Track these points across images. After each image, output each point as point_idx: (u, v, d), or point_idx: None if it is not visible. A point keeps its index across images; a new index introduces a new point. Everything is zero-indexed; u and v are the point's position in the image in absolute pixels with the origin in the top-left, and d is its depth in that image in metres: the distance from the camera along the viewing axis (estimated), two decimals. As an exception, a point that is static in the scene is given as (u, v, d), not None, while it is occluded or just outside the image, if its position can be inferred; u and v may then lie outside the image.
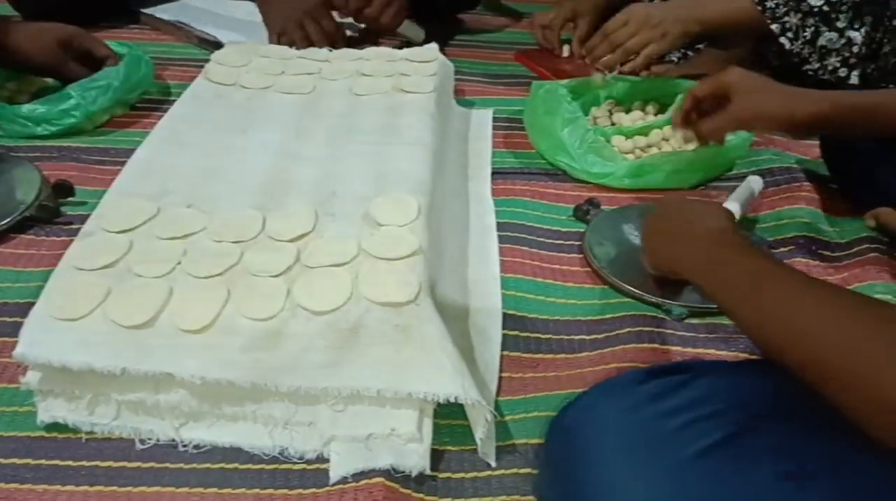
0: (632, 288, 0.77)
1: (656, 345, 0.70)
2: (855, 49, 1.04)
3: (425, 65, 1.05)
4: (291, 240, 0.69)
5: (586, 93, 1.10)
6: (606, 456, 0.49)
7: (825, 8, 1.02)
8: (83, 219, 0.75)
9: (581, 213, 0.89)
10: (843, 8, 1.02)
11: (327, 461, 0.60)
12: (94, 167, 0.94)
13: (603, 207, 0.90)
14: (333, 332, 0.61)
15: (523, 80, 1.23)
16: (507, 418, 0.64)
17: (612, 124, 1.07)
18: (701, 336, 0.72)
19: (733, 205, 0.82)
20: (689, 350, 0.71)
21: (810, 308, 0.49)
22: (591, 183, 0.96)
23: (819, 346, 0.47)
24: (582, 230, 0.87)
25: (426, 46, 1.11)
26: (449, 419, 0.64)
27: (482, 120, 1.11)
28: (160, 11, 1.36)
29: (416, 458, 0.59)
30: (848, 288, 0.78)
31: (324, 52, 1.10)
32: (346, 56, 1.09)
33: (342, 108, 0.94)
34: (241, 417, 0.62)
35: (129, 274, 0.65)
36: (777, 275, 0.54)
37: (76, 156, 0.96)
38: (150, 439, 0.61)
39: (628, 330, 0.72)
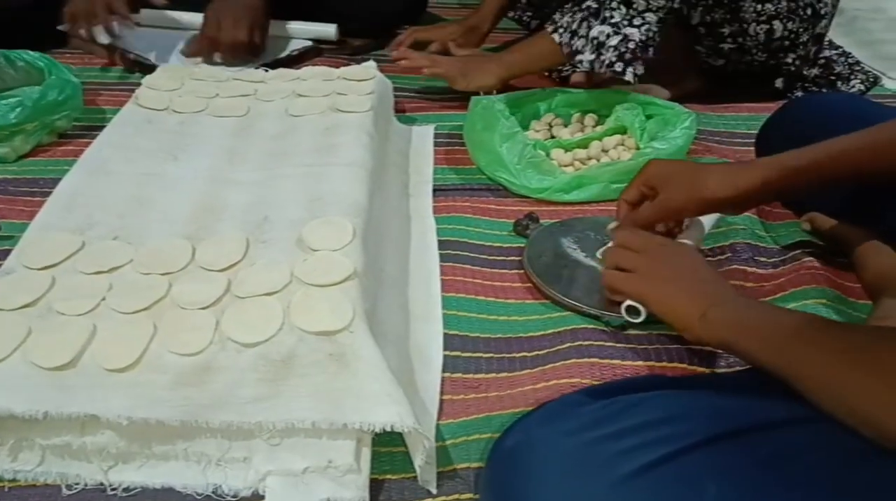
0: (571, 302, 0.77)
1: (596, 359, 0.70)
2: (631, 45, 1.05)
3: (362, 83, 1.04)
4: (222, 270, 0.68)
5: (525, 106, 1.10)
6: (547, 480, 0.49)
7: (593, 6, 1.07)
8: (8, 255, 0.72)
9: (520, 228, 0.89)
10: (614, 5, 1.06)
11: (262, 497, 0.58)
12: (21, 199, 0.91)
13: (542, 221, 0.90)
14: (265, 364, 0.59)
15: (464, 96, 1.23)
16: (449, 442, 0.63)
17: (552, 137, 1.07)
18: (641, 347, 0.72)
19: (692, 234, 0.81)
20: (629, 362, 0.71)
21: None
22: (530, 197, 0.96)
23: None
24: (522, 245, 0.86)
25: (364, 65, 1.11)
26: (389, 446, 0.62)
27: (423, 136, 1.10)
28: (93, 33, 1.32)
29: (354, 489, 0.58)
30: (786, 292, 0.79)
31: (259, 72, 1.09)
32: (281, 76, 1.07)
33: (277, 130, 0.93)
34: (173, 456, 0.60)
35: (51, 313, 0.62)
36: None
37: (2, 188, 0.93)
38: (77, 484, 0.59)
39: (568, 345, 0.72)
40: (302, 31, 1.34)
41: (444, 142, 1.10)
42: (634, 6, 1.05)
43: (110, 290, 0.65)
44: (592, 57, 1.07)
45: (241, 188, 0.81)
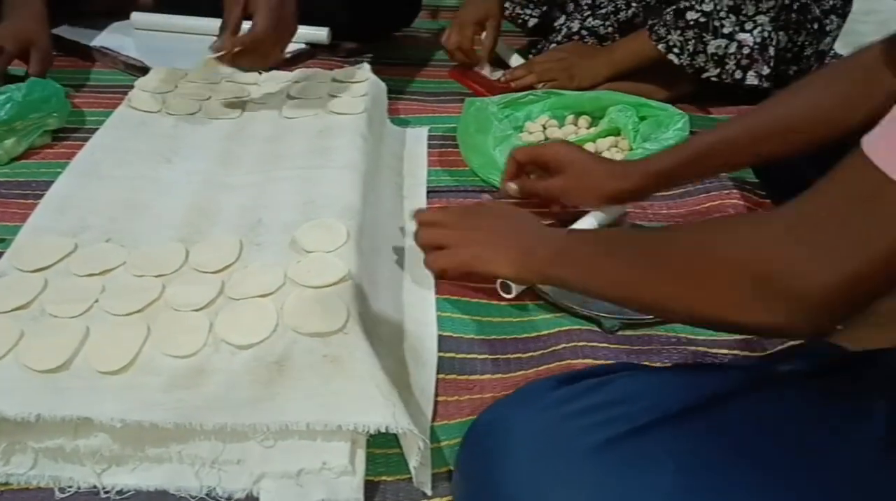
0: (564, 302, 0.77)
1: (590, 360, 0.70)
2: (746, 51, 1.11)
3: (356, 85, 1.04)
4: (216, 272, 0.67)
5: (519, 108, 1.10)
6: (515, 456, 0.49)
7: (701, 20, 1.11)
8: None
9: (515, 230, 0.89)
10: (722, 14, 1.10)
11: (257, 499, 0.58)
12: (14, 201, 0.90)
13: (537, 222, 0.90)
14: (259, 366, 0.59)
15: (458, 97, 1.23)
16: (444, 443, 0.63)
17: (546, 139, 1.07)
18: (635, 348, 0.72)
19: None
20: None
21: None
22: (524, 199, 0.96)
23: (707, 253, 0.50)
24: (517, 246, 0.86)
25: (357, 66, 1.11)
26: (384, 448, 0.62)
27: (417, 138, 1.10)
28: (84, 37, 1.32)
29: (348, 491, 0.58)
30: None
31: (253, 75, 1.08)
32: (275, 79, 1.07)
33: (271, 133, 0.93)
34: (167, 458, 0.59)
35: (44, 315, 0.62)
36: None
37: (-6, 191, 0.92)
38: (70, 487, 0.58)
39: (563, 345, 0.72)
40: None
41: (437, 144, 1.10)
42: (743, 12, 1.09)
43: (103, 292, 0.65)
44: (718, 71, 1.14)
45: (235, 191, 0.81)
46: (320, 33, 1.33)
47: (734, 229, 0.51)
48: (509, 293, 0.75)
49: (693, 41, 1.12)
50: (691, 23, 1.11)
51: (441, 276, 0.77)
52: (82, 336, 0.60)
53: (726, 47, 1.11)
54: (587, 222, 0.83)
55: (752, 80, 1.12)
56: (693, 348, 0.72)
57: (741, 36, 1.10)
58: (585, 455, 0.47)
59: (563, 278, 0.64)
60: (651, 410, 0.50)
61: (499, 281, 0.74)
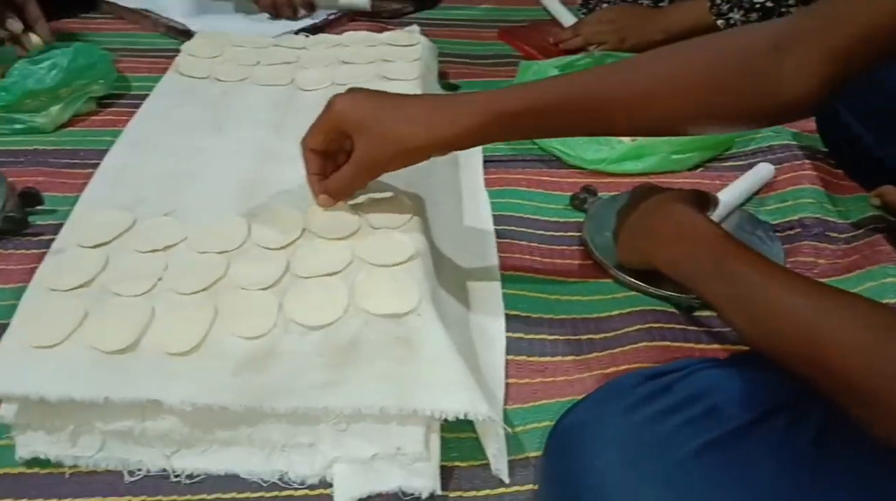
0: (636, 282, 0.74)
1: (668, 343, 0.68)
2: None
3: (408, 49, 1.00)
4: (280, 248, 0.65)
5: (576, 70, 1.06)
6: (602, 462, 0.47)
7: (768, 4, 1.06)
8: (54, 230, 0.70)
9: (578, 202, 0.86)
10: (791, 2, 1.06)
11: (330, 485, 0.56)
12: (63, 171, 0.88)
13: (601, 194, 0.86)
14: (330, 348, 0.57)
15: (509, 60, 1.19)
16: (518, 429, 0.61)
17: (604, 104, 1.03)
18: (714, 330, 0.69)
19: (727, 193, 0.81)
20: (703, 345, 0.68)
21: (816, 314, 0.47)
22: (585, 169, 0.92)
23: (830, 355, 0.45)
24: (581, 220, 0.83)
25: (407, 29, 1.06)
26: (456, 432, 0.60)
27: (469, 104, 1.06)
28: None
29: (425, 478, 0.56)
30: (861, 271, 0.76)
31: (300, 38, 1.05)
32: (323, 43, 1.04)
33: (323, 100, 0.89)
34: (236, 442, 0.58)
35: (107, 294, 0.60)
36: (762, 268, 0.53)
37: (42, 159, 0.90)
38: (139, 470, 0.57)
39: (637, 327, 0.69)
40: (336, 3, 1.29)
41: (490, 110, 1.06)
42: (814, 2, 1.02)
43: (166, 270, 0.62)
44: None
45: (292, 162, 0.77)
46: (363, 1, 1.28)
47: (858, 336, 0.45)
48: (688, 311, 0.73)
49: (741, 11, 1.07)
50: (757, 5, 1.07)
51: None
52: (148, 316, 0.58)
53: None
54: (737, 186, 0.83)
55: None
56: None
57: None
58: (677, 465, 0.45)
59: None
60: (741, 405, 0.49)
61: None
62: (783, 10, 1.06)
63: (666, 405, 0.50)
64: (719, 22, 1.10)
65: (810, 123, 1.00)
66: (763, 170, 0.88)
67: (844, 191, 0.90)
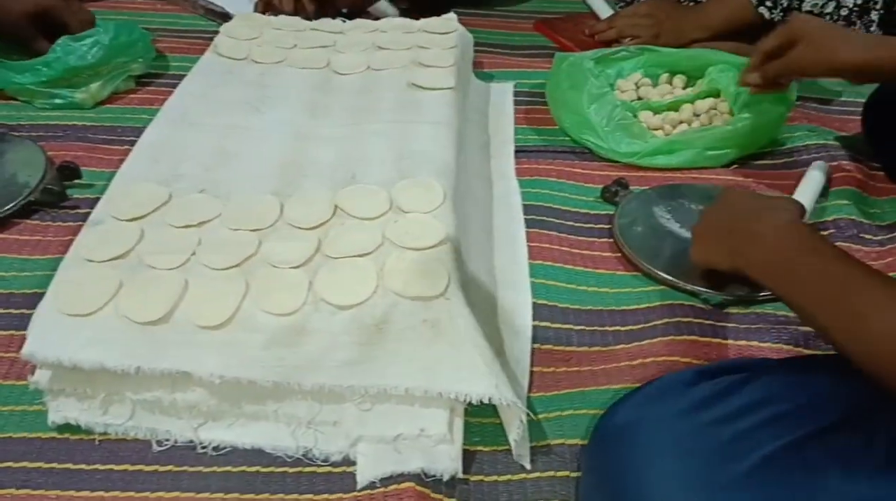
0: (666, 276, 0.73)
1: (696, 337, 0.67)
2: (844, 12, 1.03)
3: (444, 36, 1.00)
4: (312, 228, 0.66)
5: (611, 65, 1.05)
6: (658, 466, 0.47)
7: None
8: (91, 203, 0.72)
9: (609, 195, 0.85)
10: None
11: (354, 463, 0.57)
12: (101, 147, 0.90)
13: (632, 188, 0.86)
14: (359, 328, 0.58)
15: (544, 52, 1.18)
16: (541, 417, 0.61)
17: (639, 98, 1.02)
18: (742, 326, 0.69)
19: (803, 197, 0.79)
20: (730, 341, 0.67)
21: None
22: (618, 162, 0.92)
23: None
24: (611, 212, 0.83)
25: (445, 16, 1.06)
26: (479, 417, 0.61)
27: (502, 94, 1.06)
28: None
29: (447, 461, 0.56)
30: (895, 273, 0.74)
31: (337, 23, 1.05)
32: (360, 27, 1.04)
33: (359, 84, 0.90)
34: (263, 416, 0.59)
35: (142, 266, 0.61)
36: (865, 280, 0.50)
37: (81, 134, 0.91)
38: (167, 440, 0.58)
39: (665, 320, 0.69)
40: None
41: (523, 100, 1.06)
42: None
43: (200, 245, 0.63)
44: None
45: (326, 144, 0.78)
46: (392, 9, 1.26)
47: None
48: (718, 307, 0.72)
49: None
50: None
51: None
52: (181, 289, 0.59)
53: (823, 6, 1.04)
54: (809, 189, 0.82)
55: None
56: (802, 328, 0.68)
57: None
58: (743, 474, 0.45)
59: (764, 283, 0.60)
60: (805, 414, 0.48)
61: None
62: None
63: (726, 410, 0.49)
64: (762, 9, 1.07)
65: (850, 123, 0.98)
66: (820, 169, 0.87)
67: (882, 192, 0.88)
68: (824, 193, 0.85)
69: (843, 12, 1.03)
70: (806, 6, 1.05)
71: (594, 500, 0.53)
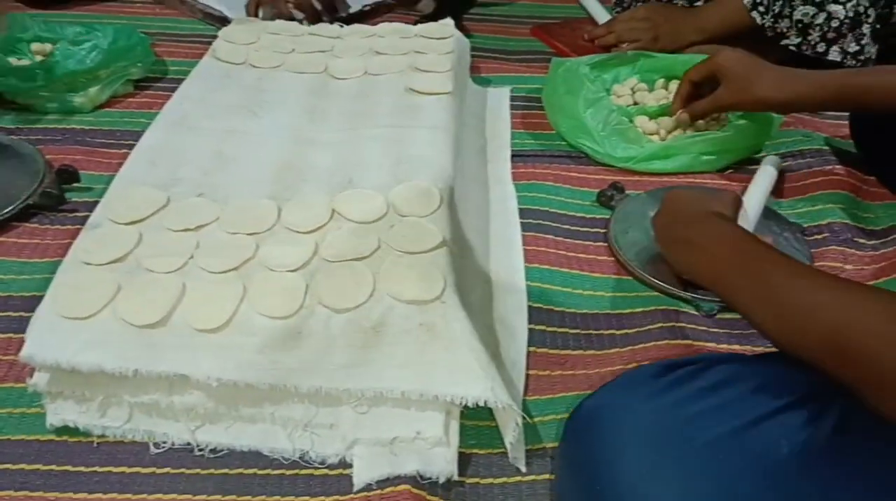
0: (659, 282, 0.74)
1: (689, 341, 0.68)
2: (835, 24, 1.04)
3: (441, 41, 1.00)
4: (309, 232, 0.66)
5: (607, 70, 1.06)
6: (624, 444, 0.48)
7: None
8: (89, 207, 0.72)
9: (605, 199, 0.86)
10: None
11: (350, 466, 0.57)
12: (99, 150, 0.90)
13: (628, 192, 0.86)
14: (355, 331, 0.58)
15: (541, 57, 1.19)
16: (537, 420, 0.62)
17: (635, 103, 1.03)
18: (735, 331, 0.69)
19: (753, 193, 0.80)
20: (723, 346, 0.68)
21: (841, 308, 0.47)
22: (614, 166, 0.92)
23: (855, 346, 0.45)
24: (607, 216, 0.83)
25: (441, 22, 1.07)
26: (475, 420, 0.61)
27: (499, 99, 1.07)
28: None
29: (443, 463, 0.57)
30: (888, 277, 0.75)
31: (335, 28, 1.06)
32: (358, 33, 1.04)
33: (356, 89, 0.91)
34: (260, 419, 0.59)
35: (140, 269, 0.62)
36: (787, 268, 0.53)
37: (80, 138, 0.92)
38: (164, 442, 0.59)
39: (660, 325, 0.69)
40: None
41: (520, 105, 1.06)
42: None
43: (198, 248, 0.64)
44: (799, 40, 1.07)
45: (324, 148, 0.79)
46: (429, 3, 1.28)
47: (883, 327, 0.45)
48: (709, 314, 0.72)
49: (780, 2, 1.05)
50: None
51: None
52: (179, 292, 0.59)
53: (814, 16, 1.04)
54: (760, 183, 0.83)
55: (834, 55, 1.05)
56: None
57: (832, 7, 1.03)
58: (709, 444, 0.46)
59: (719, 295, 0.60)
60: (762, 396, 0.49)
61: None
62: None
63: (688, 393, 0.50)
64: (754, 14, 1.08)
65: (843, 128, 0.99)
66: (770, 164, 0.88)
67: (875, 197, 0.89)
68: (776, 189, 0.87)
69: (834, 24, 1.03)
70: (797, 14, 1.05)
71: (568, 492, 0.53)
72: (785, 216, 0.84)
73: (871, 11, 1.03)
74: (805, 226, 0.82)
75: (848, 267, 0.78)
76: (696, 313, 0.71)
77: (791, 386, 0.50)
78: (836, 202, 0.86)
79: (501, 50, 1.23)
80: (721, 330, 0.69)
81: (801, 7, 1.05)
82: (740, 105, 0.87)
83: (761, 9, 1.08)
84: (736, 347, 0.68)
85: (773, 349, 0.62)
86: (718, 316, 0.71)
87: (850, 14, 1.02)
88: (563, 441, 0.55)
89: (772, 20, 1.07)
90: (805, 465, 0.45)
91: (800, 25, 1.05)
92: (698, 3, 1.23)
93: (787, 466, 0.45)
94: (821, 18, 1.04)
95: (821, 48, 1.06)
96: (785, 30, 1.07)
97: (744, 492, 0.44)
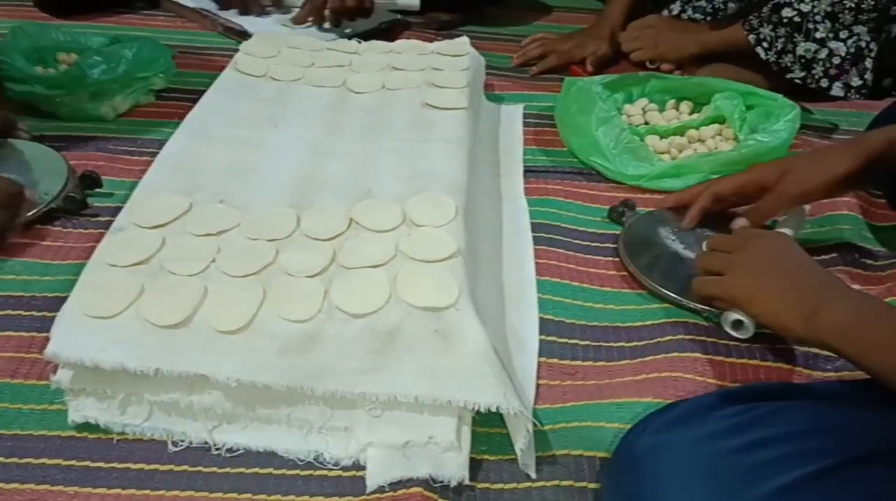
0: (670, 294, 0.75)
1: (698, 354, 0.69)
2: (836, 60, 1.07)
3: (457, 59, 1.03)
4: (327, 240, 0.68)
5: (618, 90, 1.08)
6: (680, 490, 0.47)
7: (796, 19, 1.08)
8: (111, 212, 0.74)
9: (616, 215, 0.87)
10: (818, 18, 1.07)
11: (363, 468, 0.58)
12: (122, 158, 0.92)
13: (638, 209, 0.88)
14: (371, 336, 0.59)
15: (553, 76, 1.21)
16: (547, 428, 0.63)
17: (646, 123, 1.05)
18: (744, 345, 0.70)
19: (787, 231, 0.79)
20: (733, 359, 0.69)
21: None
22: (625, 184, 0.94)
23: None
24: (617, 232, 0.85)
25: (457, 40, 1.09)
26: (486, 427, 0.62)
27: (512, 116, 1.09)
28: (184, -2, 1.34)
29: (454, 468, 0.58)
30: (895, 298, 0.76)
31: (353, 44, 1.08)
32: (375, 49, 1.07)
33: (374, 103, 0.93)
34: (276, 420, 0.60)
35: (163, 272, 0.63)
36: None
37: (102, 146, 0.94)
38: (182, 441, 0.60)
39: (669, 337, 0.70)
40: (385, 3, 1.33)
41: (533, 122, 1.08)
42: (840, 21, 1.05)
43: (219, 253, 0.65)
44: (803, 74, 1.10)
45: (341, 160, 0.81)
46: (412, 1, 1.32)
47: None
48: (740, 332, 0.69)
49: (783, 39, 1.09)
50: (785, 20, 1.09)
51: (705, 302, 0.72)
52: (201, 294, 0.61)
53: (816, 52, 1.08)
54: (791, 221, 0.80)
55: (837, 90, 1.09)
56: (803, 349, 0.70)
57: (833, 44, 1.07)
58: (770, 494, 0.44)
59: (840, 350, 0.55)
60: (828, 452, 0.47)
61: (730, 318, 0.68)
62: (810, 26, 1.07)
63: (750, 438, 0.48)
64: (750, 37, 1.11)
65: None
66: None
67: (883, 219, 0.90)
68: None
69: (836, 60, 1.06)
70: (799, 51, 1.08)
71: None
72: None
73: (872, 45, 1.05)
74: (812, 246, 0.83)
75: (855, 287, 0.79)
76: (705, 325, 0.72)
77: (869, 435, 0.48)
78: (844, 223, 0.87)
79: (514, 68, 1.25)
80: (731, 343, 0.70)
81: (804, 44, 1.08)
82: (801, 198, 0.77)
83: (765, 44, 1.11)
84: (745, 360, 0.68)
85: (804, 371, 0.61)
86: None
87: (852, 50, 1.05)
88: (613, 472, 0.54)
89: (775, 56, 1.10)
90: None
91: (803, 61, 1.09)
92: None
93: None
94: (823, 54, 1.07)
95: (824, 83, 1.09)
96: (789, 64, 1.10)
97: None
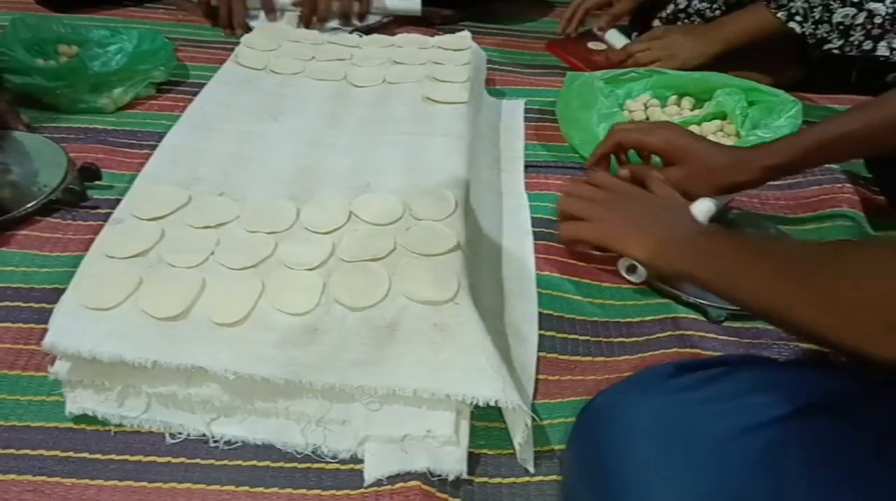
0: (670, 289, 0.75)
1: (697, 350, 0.68)
2: (878, 20, 1.04)
3: (458, 53, 1.02)
4: (326, 233, 0.67)
5: (620, 85, 1.07)
6: (632, 443, 0.48)
7: None
8: (110, 204, 0.74)
9: (616, 210, 0.87)
10: None
11: (361, 461, 0.58)
12: (121, 150, 0.92)
13: (639, 204, 0.87)
14: (370, 329, 0.59)
15: (555, 71, 1.21)
16: (546, 422, 0.63)
17: (647, 118, 1.04)
18: (744, 340, 0.70)
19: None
20: (731, 353, 0.69)
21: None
22: (626, 179, 0.93)
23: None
24: (617, 228, 0.84)
25: (459, 34, 1.09)
26: (485, 421, 0.62)
27: (513, 111, 1.08)
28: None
29: (452, 462, 0.58)
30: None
31: (354, 37, 1.08)
32: (376, 42, 1.07)
33: (374, 96, 0.92)
34: (274, 413, 0.60)
35: (162, 264, 0.63)
36: (822, 257, 0.53)
37: (102, 138, 0.94)
38: (180, 433, 0.60)
39: (669, 333, 0.70)
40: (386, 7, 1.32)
41: (534, 117, 1.08)
42: None
43: (218, 245, 0.65)
44: (841, 42, 1.07)
45: (341, 152, 0.81)
46: (413, 4, 1.31)
47: (885, 262, 0.47)
48: (634, 276, 0.73)
49: (819, 8, 1.05)
50: None
51: (570, 247, 0.75)
52: (199, 287, 0.61)
53: (854, 17, 1.05)
54: (704, 206, 0.78)
55: (882, 50, 1.06)
56: (803, 345, 0.70)
57: (872, 5, 1.03)
58: (718, 442, 0.46)
59: (694, 274, 0.61)
60: (778, 404, 0.48)
61: (625, 264, 0.73)
62: None
63: (703, 396, 0.50)
64: (781, 14, 1.08)
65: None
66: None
67: (883, 217, 0.90)
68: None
69: (877, 20, 1.02)
70: (836, 17, 1.05)
71: (577, 489, 0.54)
72: (790, 232, 0.85)
73: None
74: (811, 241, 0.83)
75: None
76: (704, 320, 0.72)
77: (813, 389, 0.50)
78: (844, 220, 0.87)
79: (516, 63, 1.25)
80: (730, 338, 0.70)
81: (841, 9, 1.04)
82: (701, 191, 0.77)
83: (798, 18, 1.07)
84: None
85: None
86: (727, 323, 0.72)
87: (891, 10, 1.03)
88: (572, 439, 0.56)
89: (812, 27, 1.07)
90: (821, 467, 0.45)
91: (841, 27, 1.06)
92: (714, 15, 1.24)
93: (797, 470, 0.44)
94: (861, 18, 1.04)
95: (867, 46, 1.06)
96: (826, 34, 1.07)
97: (750, 492, 0.44)
